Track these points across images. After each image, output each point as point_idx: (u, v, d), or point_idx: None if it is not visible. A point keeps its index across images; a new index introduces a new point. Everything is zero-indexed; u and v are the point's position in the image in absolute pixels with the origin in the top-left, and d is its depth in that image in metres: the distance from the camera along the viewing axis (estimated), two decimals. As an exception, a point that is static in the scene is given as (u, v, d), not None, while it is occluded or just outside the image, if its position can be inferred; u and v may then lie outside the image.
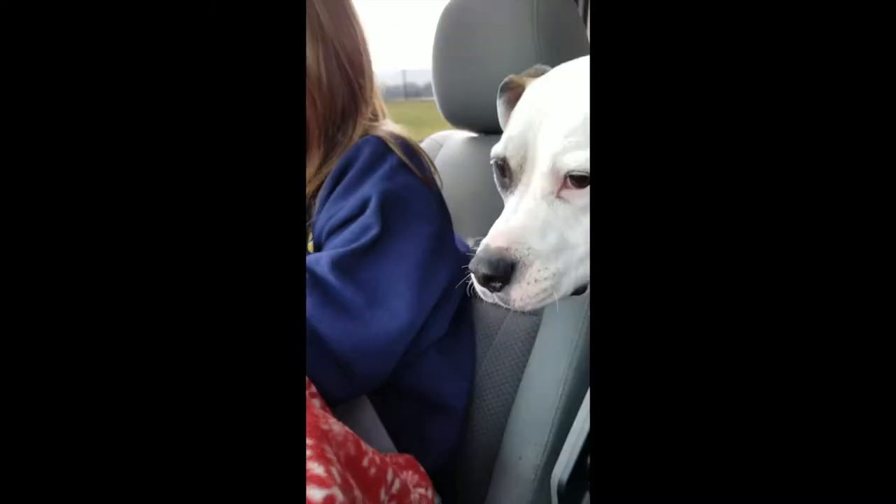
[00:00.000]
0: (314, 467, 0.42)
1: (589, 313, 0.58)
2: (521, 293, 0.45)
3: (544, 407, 0.61)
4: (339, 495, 0.41)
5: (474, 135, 0.81)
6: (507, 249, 0.44)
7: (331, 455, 0.44)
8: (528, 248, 0.44)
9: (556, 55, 0.61)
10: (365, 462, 0.49)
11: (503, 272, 0.44)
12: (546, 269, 0.44)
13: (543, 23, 0.61)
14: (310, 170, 0.65)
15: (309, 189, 0.65)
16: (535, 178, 0.46)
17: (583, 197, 0.45)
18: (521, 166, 0.47)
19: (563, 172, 0.44)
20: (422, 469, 0.61)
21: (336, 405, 0.59)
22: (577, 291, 0.49)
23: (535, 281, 0.44)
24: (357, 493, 0.45)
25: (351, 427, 0.49)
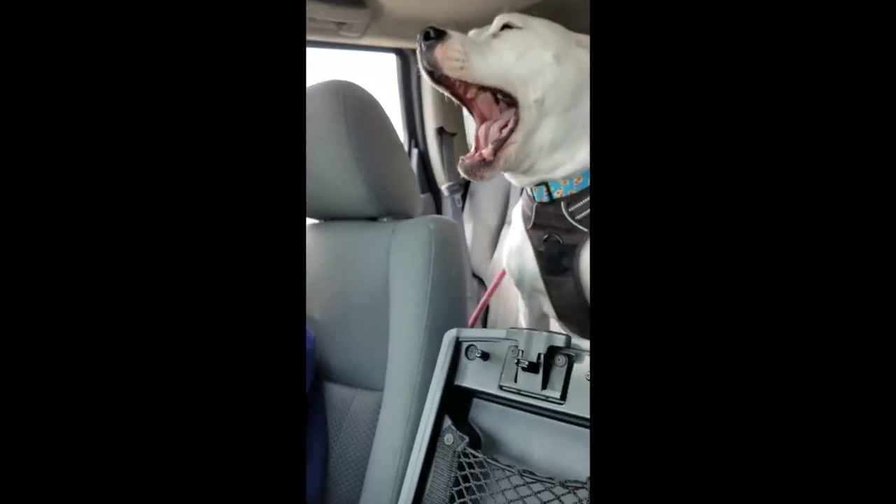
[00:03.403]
0: None
1: (418, 387, 0.66)
2: (441, 54, 0.68)
3: (387, 478, 0.65)
4: None
5: (316, 221, 0.88)
6: (444, 33, 0.70)
7: None
8: (455, 36, 0.70)
9: (370, 153, 0.75)
10: None
11: (434, 35, 0.69)
12: (460, 48, 0.69)
13: (354, 126, 0.72)
14: None
15: None
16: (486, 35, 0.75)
17: (503, 38, 0.73)
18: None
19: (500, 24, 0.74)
20: None
21: None
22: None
23: (451, 50, 0.68)
24: None
25: None
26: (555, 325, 0.90)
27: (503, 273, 0.91)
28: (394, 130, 0.79)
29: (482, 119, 0.74)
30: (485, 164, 0.70)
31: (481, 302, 1.00)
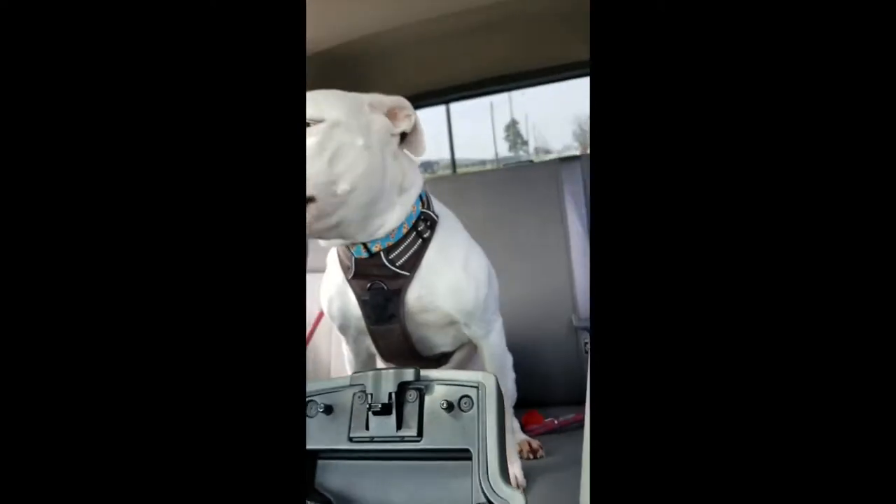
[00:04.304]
0: None
1: None
2: None
3: None
4: None
5: None
6: None
7: None
8: None
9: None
10: None
11: None
12: None
13: None
14: None
15: None
16: None
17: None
18: None
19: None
20: None
21: None
22: None
23: None
24: None
25: None
26: (380, 363, 0.87)
27: (320, 315, 0.85)
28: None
29: None
30: None
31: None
